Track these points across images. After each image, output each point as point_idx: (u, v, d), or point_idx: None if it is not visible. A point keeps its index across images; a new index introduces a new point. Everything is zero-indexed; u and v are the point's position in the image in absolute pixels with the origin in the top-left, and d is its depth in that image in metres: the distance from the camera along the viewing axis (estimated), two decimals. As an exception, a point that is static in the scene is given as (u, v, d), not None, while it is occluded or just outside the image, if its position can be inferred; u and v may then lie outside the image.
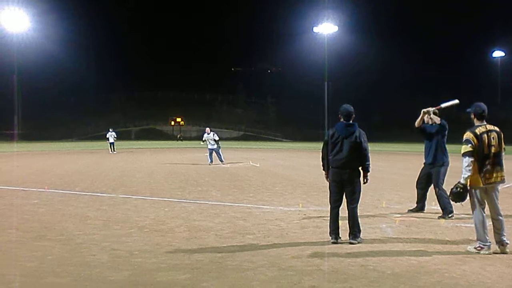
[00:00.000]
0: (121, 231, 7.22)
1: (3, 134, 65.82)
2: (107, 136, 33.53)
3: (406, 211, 9.00)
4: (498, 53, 77.37)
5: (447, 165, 8.61)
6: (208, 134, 21.60)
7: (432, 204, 9.06)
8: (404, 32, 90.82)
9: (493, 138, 5.97)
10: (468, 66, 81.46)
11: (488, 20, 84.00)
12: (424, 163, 8.87)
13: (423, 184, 8.90)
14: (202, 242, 6.51)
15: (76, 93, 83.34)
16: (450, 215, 8.28)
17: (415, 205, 9.02)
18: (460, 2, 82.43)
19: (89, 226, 7.60)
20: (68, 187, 12.74)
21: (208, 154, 21.80)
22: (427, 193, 8.92)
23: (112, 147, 32.99)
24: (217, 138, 21.58)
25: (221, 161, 21.62)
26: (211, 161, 21.53)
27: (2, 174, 16.89)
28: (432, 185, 8.69)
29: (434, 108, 8.50)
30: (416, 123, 8.71)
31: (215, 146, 21.53)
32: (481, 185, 5.92)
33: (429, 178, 8.74)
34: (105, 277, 4.97)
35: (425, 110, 8.51)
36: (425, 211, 8.87)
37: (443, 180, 8.53)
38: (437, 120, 8.50)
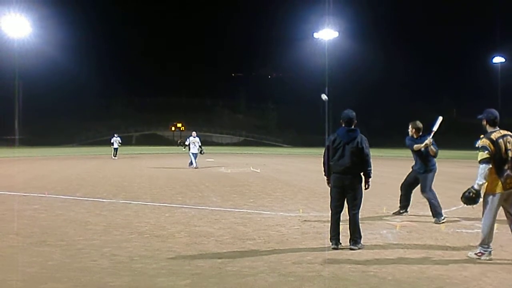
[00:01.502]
0: (121, 236, 7.22)
1: (3, 139, 65.76)
2: (112, 141, 33.45)
3: (391, 213, 9.30)
4: (498, 59, 77.35)
5: (435, 171, 8.78)
6: (194, 137, 22.85)
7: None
8: (405, 37, 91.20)
9: (508, 142, 5.88)
10: (469, 72, 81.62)
11: (489, 26, 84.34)
12: (412, 167, 9.06)
13: (406, 186, 9.18)
14: (203, 248, 6.50)
15: (77, 98, 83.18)
16: (442, 218, 8.42)
17: (398, 207, 9.30)
18: (461, 8, 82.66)
19: (90, 231, 7.59)
20: (69, 193, 12.73)
21: (192, 158, 22.81)
22: (411, 195, 9.18)
23: (115, 152, 32.94)
24: (200, 143, 23.02)
25: (194, 164, 22.69)
26: (196, 165, 22.61)
27: (2, 180, 16.88)
28: (417, 188, 8.93)
29: (430, 138, 8.58)
30: (416, 148, 8.76)
31: (197, 151, 22.80)
32: (502, 191, 5.80)
33: (415, 182, 8.98)
34: (106, 282, 4.97)
35: (427, 142, 8.54)
36: (408, 213, 9.18)
37: (431, 186, 8.71)
38: (433, 152, 8.64)
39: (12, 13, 53.70)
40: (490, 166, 5.78)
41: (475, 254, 5.95)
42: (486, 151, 5.80)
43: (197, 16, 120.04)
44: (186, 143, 23.17)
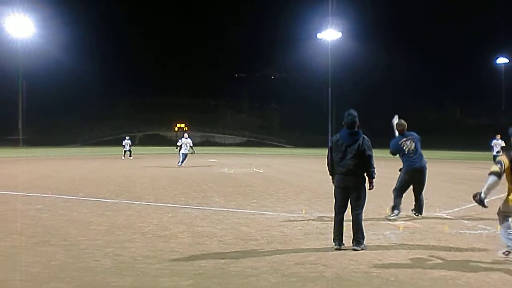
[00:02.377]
0: (124, 236, 7.23)
1: (7, 139, 66.02)
2: (123, 144, 34.21)
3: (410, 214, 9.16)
4: (502, 60, 77.25)
5: (404, 172, 9.07)
6: (186, 139, 24.11)
7: (436, 210, 9.04)
8: (408, 38, 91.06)
9: None
10: (472, 73, 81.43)
11: (492, 27, 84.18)
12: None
13: (413, 190, 9.22)
14: (205, 248, 6.50)
15: (80, 98, 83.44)
16: (392, 216, 8.74)
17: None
18: (464, 9, 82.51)
19: (93, 231, 7.61)
20: (72, 193, 12.75)
21: (181, 158, 23.83)
22: (420, 196, 9.10)
23: (126, 153, 33.64)
24: (191, 144, 24.44)
25: (180, 163, 23.73)
26: (181, 164, 23.63)
27: (6, 179, 16.93)
28: (422, 189, 9.02)
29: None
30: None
31: (188, 151, 24.05)
32: None
33: (415, 182, 9.06)
34: (108, 282, 4.98)
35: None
36: (424, 216, 9.07)
37: (399, 185, 9.01)
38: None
39: (16, 13, 53.94)
40: (497, 179, 5.71)
41: (503, 253, 5.93)
42: (499, 166, 5.76)
43: (200, 17, 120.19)
44: (178, 143, 24.31)
